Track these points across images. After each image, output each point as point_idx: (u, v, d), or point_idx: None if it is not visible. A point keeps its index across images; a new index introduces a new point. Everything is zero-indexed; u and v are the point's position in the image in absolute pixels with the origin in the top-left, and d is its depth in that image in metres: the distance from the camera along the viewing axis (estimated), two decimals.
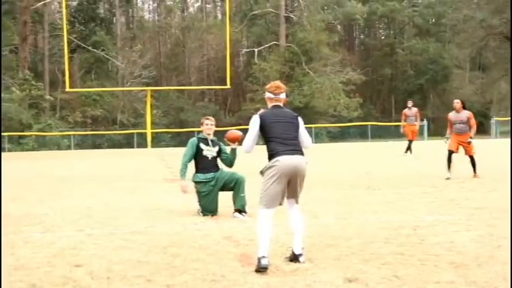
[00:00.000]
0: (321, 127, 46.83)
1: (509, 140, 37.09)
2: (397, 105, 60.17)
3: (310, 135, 39.90)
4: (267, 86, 6.22)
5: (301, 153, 5.97)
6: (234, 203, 8.93)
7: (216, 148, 9.26)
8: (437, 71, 60.89)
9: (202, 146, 9.18)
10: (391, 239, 6.86)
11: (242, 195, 8.88)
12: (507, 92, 58.39)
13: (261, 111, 6.19)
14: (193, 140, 9.35)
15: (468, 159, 14.11)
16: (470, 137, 13.93)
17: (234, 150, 9.02)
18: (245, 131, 6.37)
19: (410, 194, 11.25)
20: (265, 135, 5.96)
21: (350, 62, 56.32)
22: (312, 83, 50.38)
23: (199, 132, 9.79)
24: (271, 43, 54.46)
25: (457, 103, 14.23)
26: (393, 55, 64.23)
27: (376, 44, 68.05)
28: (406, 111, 23.39)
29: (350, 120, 48.90)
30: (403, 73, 63.45)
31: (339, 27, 64.69)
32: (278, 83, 6.20)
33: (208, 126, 9.34)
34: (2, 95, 42.56)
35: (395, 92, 63.63)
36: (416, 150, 23.72)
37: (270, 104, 6.15)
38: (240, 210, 8.81)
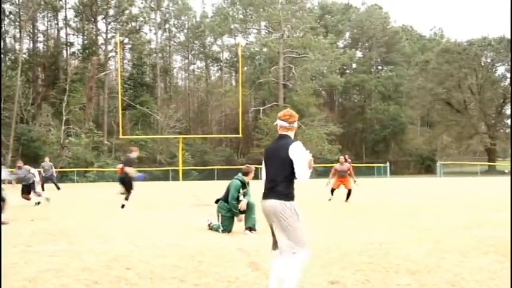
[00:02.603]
0: None
1: (451, 179, 37.07)
2: (367, 150, 60.29)
3: None
4: (280, 114, 4.52)
5: (275, 196, 4.29)
6: (246, 222, 8.72)
7: (246, 189, 8.89)
8: (396, 126, 61.15)
9: (241, 190, 8.76)
10: (363, 252, 6.84)
11: (253, 216, 8.65)
12: (448, 143, 58.53)
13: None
14: (237, 184, 8.71)
15: (346, 191, 15.48)
16: (355, 181, 15.66)
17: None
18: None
19: (374, 217, 11.23)
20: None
21: (331, 119, 56.52)
22: (304, 133, 50.41)
23: (234, 169, 9.44)
24: (273, 103, 54.78)
25: (342, 158, 15.70)
26: (363, 113, 64.52)
27: (351, 105, 68.44)
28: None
29: (332, 162, 48.65)
30: (371, 127, 63.64)
31: (323, 92, 65.23)
32: (291, 111, 4.57)
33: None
34: (73, 140, 43.11)
35: (365, 141, 63.72)
36: (382, 185, 23.62)
37: (279, 132, 4.49)
38: (250, 228, 8.61)
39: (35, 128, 43.64)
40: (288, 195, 4.32)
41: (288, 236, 4.24)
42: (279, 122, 4.50)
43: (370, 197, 18.13)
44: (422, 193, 20.04)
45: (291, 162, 4.26)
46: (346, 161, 15.78)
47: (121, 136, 33.39)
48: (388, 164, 44.50)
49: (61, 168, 39.94)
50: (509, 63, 54.28)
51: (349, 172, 15.57)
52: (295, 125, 4.52)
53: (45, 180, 22.66)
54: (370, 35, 66.67)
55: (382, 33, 66.27)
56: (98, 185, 33.86)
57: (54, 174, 23.32)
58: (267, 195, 4.38)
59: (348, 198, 15.36)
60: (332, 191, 15.75)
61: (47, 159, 24.05)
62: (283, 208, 4.25)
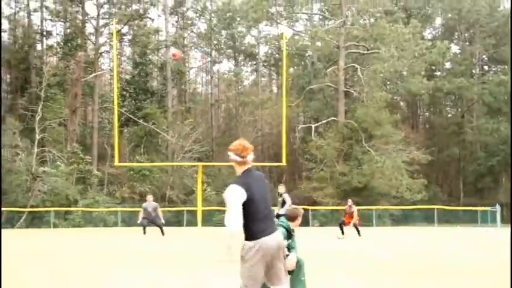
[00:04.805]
0: (382, 209, 46.26)
1: None
2: (466, 187, 59.25)
3: (371, 218, 39.53)
4: (232, 147, 5.73)
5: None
6: (293, 287, 8.10)
7: (291, 240, 8.53)
8: (510, 153, 59.91)
9: (285, 241, 8.16)
10: None
11: (302, 279, 8.36)
12: None
13: (239, 180, 5.72)
14: (284, 233, 8.22)
15: None
16: None
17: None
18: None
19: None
20: (249, 210, 5.56)
21: (414, 141, 55.93)
22: (372, 161, 49.92)
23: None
24: (330, 119, 54.74)
25: None
26: (461, 134, 63.64)
27: (442, 122, 67.63)
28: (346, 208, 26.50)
29: (414, 203, 48.13)
30: (472, 154, 62.68)
31: (401, 103, 64.85)
32: (245, 142, 5.80)
33: None
34: (49, 169, 43.59)
35: (463, 174, 62.74)
36: (489, 238, 23.15)
37: (241, 168, 5.74)
38: None
39: None
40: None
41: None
42: (231, 156, 5.74)
43: (472, 253, 17.75)
44: None
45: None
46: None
47: (116, 163, 33.83)
48: (497, 207, 43.63)
49: (32, 207, 40.65)
50: None
51: None
52: (250, 158, 5.72)
53: (151, 224, 24.83)
54: (471, 21, 66.16)
55: (490, 18, 65.65)
56: (83, 231, 34.16)
57: (161, 220, 25.23)
58: (272, 228, 5.78)
59: None
60: None
61: (150, 197, 25.82)
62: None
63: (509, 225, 34.81)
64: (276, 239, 5.68)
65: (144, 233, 24.38)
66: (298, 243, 8.70)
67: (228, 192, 5.52)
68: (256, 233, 5.54)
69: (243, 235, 5.59)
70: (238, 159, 5.67)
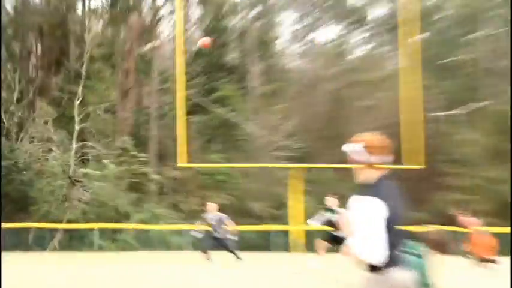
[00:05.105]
0: None
1: None
2: None
3: None
4: (366, 142, 5.86)
5: None
6: None
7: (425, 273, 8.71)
8: None
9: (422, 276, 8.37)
10: None
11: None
12: None
13: (374, 189, 5.55)
14: (418, 266, 8.14)
15: None
16: None
17: None
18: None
19: None
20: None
21: None
22: None
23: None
24: (474, 105, 53.32)
25: None
26: None
27: None
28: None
29: None
30: None
31: None
32: (382, 136, 5.95)
33: None
34: (92, 171, 43.72)
35: None
36: None
37: (374, 173, 5.75)
38: None
39: (22, 145, 44.73)
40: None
41: None
42: (367, 155, 5.81)
43: None
44: None
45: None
46: None
47: (179, 163, 33.15)
48: None
49: (69, 222, 40.47)
50: None
51: None
52: (371, 158, 5.73)
53: (216, 244, 25.02)
54: None
55: None
56: (137, 256, 34.09)
57: (230, 236, 25.26)
58: None
59: None
60: None
61: (213, 206, 25.55)
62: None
63: None
64: (409, 272, 5.63)
65: (206, 254, 24.95)
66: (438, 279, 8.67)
67: (363, 207, 5.41)
68: (387, 262, 5.40)
69: (362, 264, 5.47)
70: (374, 159, 5.68)
